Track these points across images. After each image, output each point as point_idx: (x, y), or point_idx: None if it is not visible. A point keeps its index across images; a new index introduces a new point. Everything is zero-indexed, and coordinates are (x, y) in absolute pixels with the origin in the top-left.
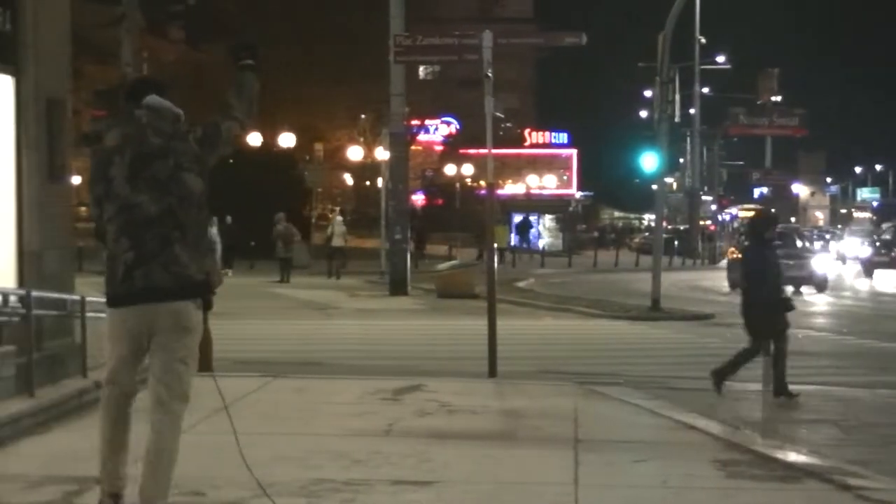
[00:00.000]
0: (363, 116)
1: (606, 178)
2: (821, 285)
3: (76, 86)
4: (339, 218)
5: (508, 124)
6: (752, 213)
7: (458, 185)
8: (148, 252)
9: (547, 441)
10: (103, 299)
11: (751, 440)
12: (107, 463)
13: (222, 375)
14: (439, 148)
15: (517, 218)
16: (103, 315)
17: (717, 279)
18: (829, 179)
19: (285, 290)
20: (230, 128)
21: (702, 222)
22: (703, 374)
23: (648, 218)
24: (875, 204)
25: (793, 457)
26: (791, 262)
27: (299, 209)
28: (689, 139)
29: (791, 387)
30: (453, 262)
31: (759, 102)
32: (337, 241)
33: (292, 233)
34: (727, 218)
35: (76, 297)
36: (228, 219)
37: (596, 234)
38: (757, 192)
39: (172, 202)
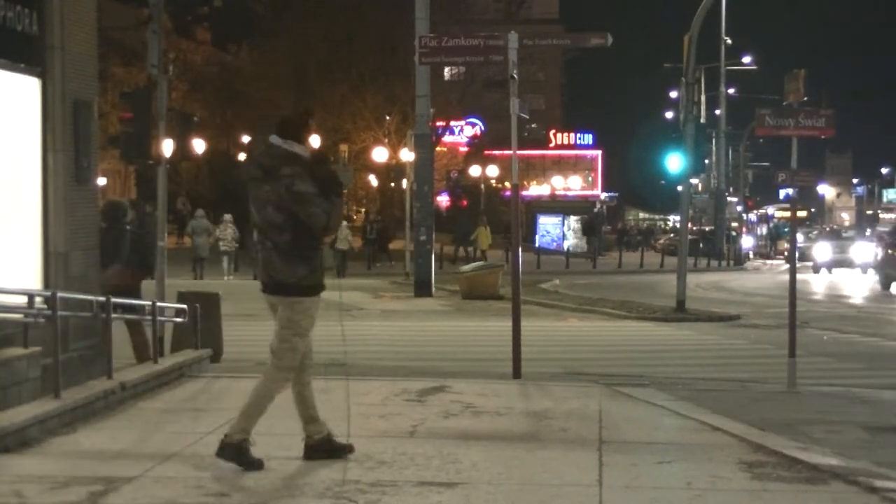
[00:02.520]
0: (388, 118)
1: (631, 179)
2: None
3: (103, 88)
4: (345, 222)
5: (533, 125)
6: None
7: (482, 186)
8: (260, 257)
9: (572, 442)
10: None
11: (776, 442)
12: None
13: (247, 377)
14: (464, 149)
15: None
16: (131, 316)
17: (743, 280)
18: (855, 180)
19: None
20: (315, 214)
21: (734, 223)
22: (729, 376)
23: (674, 219)
24: None
25: (819, 458)
26: None
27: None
28: (714, 140)
29: (817, 387)
30: (478, 264)
31: (785, 103)
32: (342, 245)
33: None
34: (753, 218)
35: (102, 299)
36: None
37: (616, 235)
38: (783, 193)
39: (263, 223)
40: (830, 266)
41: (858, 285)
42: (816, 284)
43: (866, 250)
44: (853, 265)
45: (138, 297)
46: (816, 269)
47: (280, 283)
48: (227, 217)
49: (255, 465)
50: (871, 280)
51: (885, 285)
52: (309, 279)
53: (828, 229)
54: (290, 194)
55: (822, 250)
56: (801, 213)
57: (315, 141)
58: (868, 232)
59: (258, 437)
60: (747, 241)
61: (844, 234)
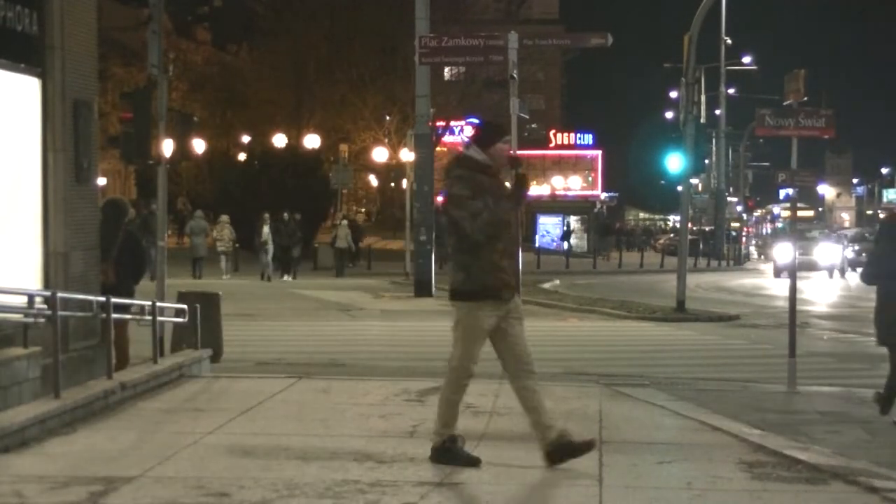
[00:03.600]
0: (389, 118)
1: (632, 179)
2: None
3: (103, 88)
4: (345, 222)
5: (533, 125)
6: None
7: None
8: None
9: None
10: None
11: (776, 442)
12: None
13: (246, 377)
14: None
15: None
16: (128, 316)
17: (743, 280)
18: (855, 181)
19: (310, 291)
20: (459, 217)
21: (735, 223)
22: (729, 376)
23: (674, 219)
24: None
25: (819, 458)
26: None
27: (324, 210)
28: (714, 140)
29: (817, 388)
30: None
31: (785, 103)
32: (340, 243)
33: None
34: (752, 219)
35: (101, 299)
36: (286, 216)
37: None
38: (783, 193)
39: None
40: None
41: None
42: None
43: (831, 252)
44: (817, 268)
45: (130, 296)
46: (777, 273)
47: (449, 287)
48: (224, 218)
49: (470, 461)
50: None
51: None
52: (466, 284)
53: (833, 229)
54: (447, 196)
55: (782, 252)
56: (808, 213)
57: (314, 140)
58: (830, 231)
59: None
60: (751, 242)
61: (808, 234)
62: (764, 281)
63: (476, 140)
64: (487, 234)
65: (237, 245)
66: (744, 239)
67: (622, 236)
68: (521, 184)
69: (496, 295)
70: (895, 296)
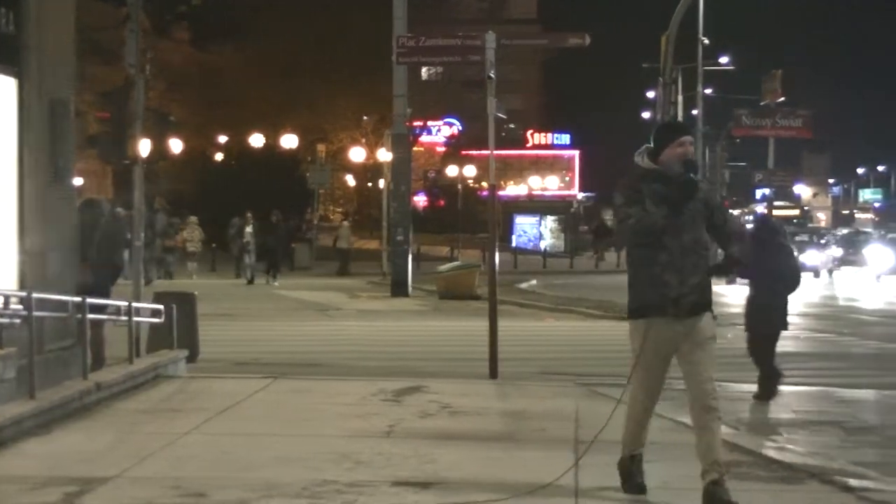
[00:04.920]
0: (366, 118)
1: (609, 179)
2: None
3: (80, 87)
4: (346, 223)
5: (511, 125)
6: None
7: (460, 186)
8: None
9: (549, 442)
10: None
11: (753, 442)
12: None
13: (223, 377)
14: (441, 149)
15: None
16: (104, 317)
17: (720, 280)
18: (831, 181)
19: (287, 291)
20: (615, 229)
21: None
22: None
23: None
24: (877, 205)
25: (795, 458)
26: None
27: (301, 210)
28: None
29: (794, 388)
30: (455, 264)
31: (762, 104)
32: (342, 244)
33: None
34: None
35: (78, 299)
36: (274, 217)
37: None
38: (760, 193)
39: None
40: None
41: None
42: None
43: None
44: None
45: (106, 297)
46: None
47: None
48: (193, 218)
49: (633, 488)
50: None
51: None
52: (630, 301)
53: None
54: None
55: None
56: (793, 212)
57: (292, 140)
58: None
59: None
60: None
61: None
62: (741, 280)
63: (653, 143)
64: (634, 243)
65: (213, 245)
66: None
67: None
68: (682, 190)
69: (659, 312)
70: (769, 288)
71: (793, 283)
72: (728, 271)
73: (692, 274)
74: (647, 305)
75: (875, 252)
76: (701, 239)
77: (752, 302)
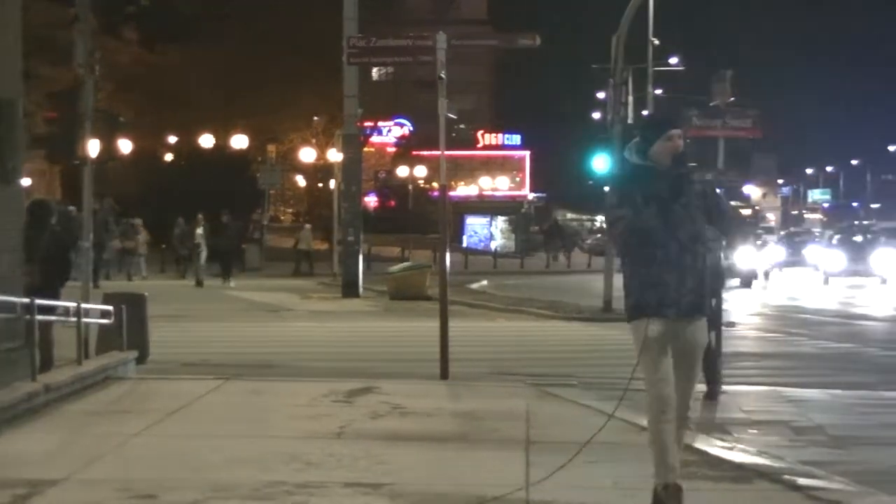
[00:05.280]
0: (316, 118)
1: (559, 180)
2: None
3: (28, 87)
4: (308, 226)
5: (462, 126)
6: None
7: (410, 186)
8: None
9: (500, 442)
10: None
11: (702, 441)
12: None
13: (173, 378)
14: (392, 149)
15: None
16: (53, 318)
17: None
18: (781, 181)
19: (237, 292)
20: (607, 228)
21: None
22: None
23: (601, 219)
24: (826, 205)
25: (744, 457)
26: None
27: (252, 211)
28: None
29: (743, 387)
30: (406, 264)
31: (712, 104)
32: (303, 245)
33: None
34: None
35: (25, 300)
36: (225, 218)
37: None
38: None
39: None
40: None
41: None
42: None
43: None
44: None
45: (55, 298)
46: None
47: None
48: (138, 221)
49: None
50: None
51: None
52: (628, 301)
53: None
54: None
55: None
56: (745, 212)
57: (242, 141)
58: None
59: None
60: None
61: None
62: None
63: (641, 138)
64: (627, 243)
65: (163, 246)
66: None
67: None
68: (672, 187)
69: (656, 312)
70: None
71: (717, 280)
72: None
73: (691, 272)
74: (644, 304)
75: (820, 253)
76: (700, 235)
77: None
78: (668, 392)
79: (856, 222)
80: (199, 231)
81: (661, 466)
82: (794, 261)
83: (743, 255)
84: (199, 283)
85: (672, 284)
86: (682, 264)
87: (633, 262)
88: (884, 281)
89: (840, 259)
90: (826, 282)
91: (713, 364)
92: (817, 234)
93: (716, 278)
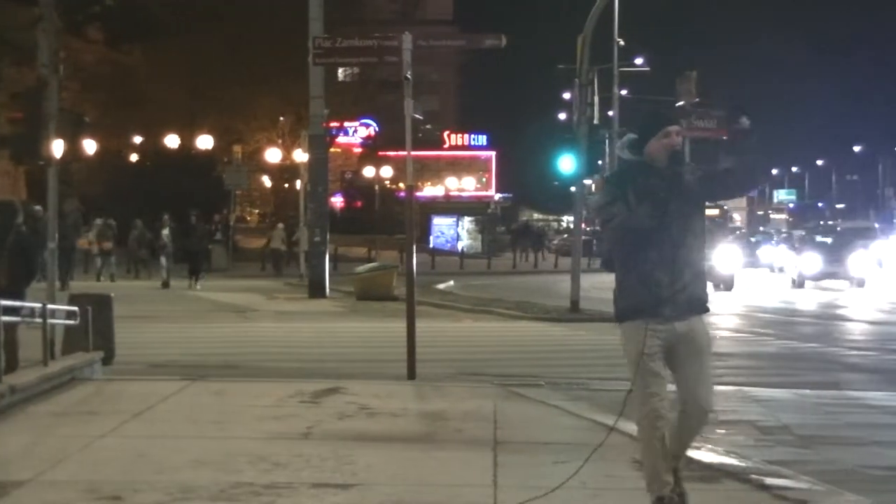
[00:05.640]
0: (282, 118)
1: (526, 180)
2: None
3: None
4: (281, 225)
5: (428, 126)
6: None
7: (377, 187)
8: None
9: (467, 443)
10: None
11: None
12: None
13: (140, 380)
14: (358, 150)
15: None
16: (18, 319)
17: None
18: None
19: (204, 293)
20: (600, 226)
21: None
22: (623, 375)
23: (567, 219)
24: (791, 206)
25: (712, 457)
26: None
27: (218, 211)
28: (608, 141)
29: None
30: (372, 265)
31: (677, 105)
32: (276, 244)
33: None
34: None
35: None
36: (193, 218)
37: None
38: None
39: None
40: None
41: None
42: None
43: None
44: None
45: (21, 299)
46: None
47: None
48: (99, 221)
49: None
50: None
51: None
52: (618, 302)
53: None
54: None
55: None
56: (713, 212)
57: (208, 141)
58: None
59: None
60: None
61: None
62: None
63: (637, 134)
64: (621, 242)
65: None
66: None
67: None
68: (670, 187)
69: (652, 312)
70: None
71: None
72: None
73: (685, 268)
74: (638, 306)
75: (787, 255)
76: (693, 228)
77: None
78: (662, 406)
79: (821, 222)
80: (166, 232)
81: (654, 481)
82: (750, 262)
83: (723, 256)
84: (166, 285)
85: (666, 282)
86: (676, 261)
87: (626, 261)
88: (861, 283)
89: (815, 261)
90: (801, 285)
91: None
92: (775, 234)
93: None
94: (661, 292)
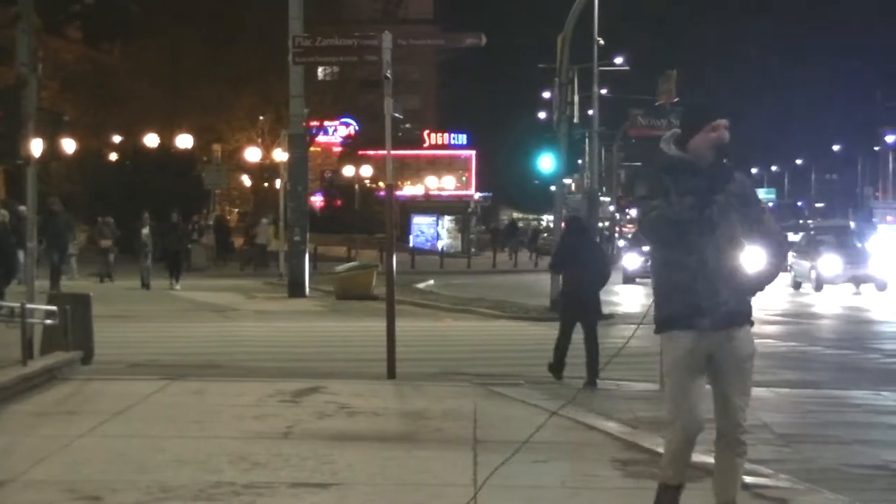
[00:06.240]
0: (262, 118)
1: (506, 179)
2: None
3: None
4: (265, 220)
5: (408, 125)
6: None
7: (357, 186)
8: None
9: (447, 442)
10: None
11: (649, 440)
12: None
13: (119, 379)
14: (338, 149)
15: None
16: None
17: (616, 278)
18: None
19: (183, 292)
20: (638, 223)
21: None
22: (603, 375)
23: (547, 219)
24: (770, 205)
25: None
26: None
27: (197, 210)
28: (588, 140)
29: None
30: (352, 264)
31: (657, 104)
32: (261, 240)
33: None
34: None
35: None
36: (174, 217)
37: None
38: None
39: None
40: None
41: None
42: None
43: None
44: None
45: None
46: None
47: None
48: (111, 220)
49: None
50: None
51: None
52: (658, 312)
53: None
54: None
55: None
56: None
57: (187, 140)
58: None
59: None
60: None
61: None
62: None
63: (682, 128)
64: (659, 236)
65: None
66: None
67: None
68: (713, 178)
69: (689, 324)
70: (578, 281)
71: (602, 278)
72: (758, 288)
73: (728, 278)
74: (675, 316)
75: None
76: (736, 237)
77: (565, 294)
78: (695, 425)
79: (800, 221)
80: (146, 231)
81: (668, 464)
82: None
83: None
84: (146, 285)
85: (706, 293)
86: (717, 270)
87: (665, 265)
88: (884, 287)
89: (836, 263)
90: (819, 288)
91: (594, 355)
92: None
93: (606, 272)
94: (700, 302)
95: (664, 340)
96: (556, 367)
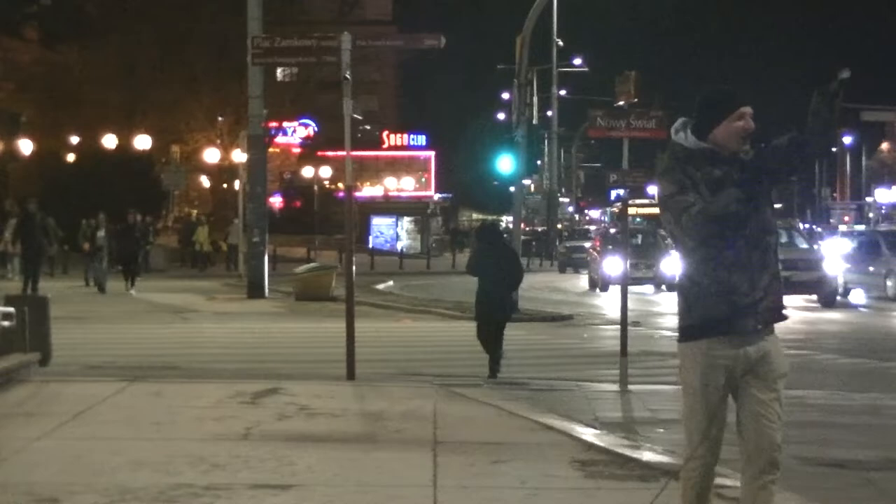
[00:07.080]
0: (221, 118)
1: (465, 180)
2: None
3: None
4: (237, 220)
5: (367, 126)
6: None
7: (316, 187)
8: None
9: (407, 443)
10: None
11: (609, 440)
12: None
13: (77, 381)
14: (297, 150)
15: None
16: None
17: (576, 281)
18: None
19: (141, 293)
20: (667, 221)
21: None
22: (563, 375)
23: (506, 219)
24: None
25: (651, 456)
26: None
27: (156, 212)
28: (547, 141)
29: (649, 386)
30: (312, 265)
31: (616, 105)
32: (233, 240)
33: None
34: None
35: None
36: (131, 218)
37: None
38: (614, 193)
39: None
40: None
41: None
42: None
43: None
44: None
45: None
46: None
47: None
48: (13, 222)
49: None
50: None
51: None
52: (683, 318)
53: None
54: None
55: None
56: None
57: (146, 141)
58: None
59: None
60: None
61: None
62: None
63: (700, 116)
64: (703, 234)
65: (65, 247)
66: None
67: (457, 236)
68: (749, 173)
69: (726, 328)
70: (491, 283)
71: (515, 280)
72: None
73: (762, 272)
74: (712, 320)
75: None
76: (767, 224)
77: (481, 295)
78: (716, 459)
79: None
80: (101, 233)
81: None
82: None
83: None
84: (102, 289)
85: (745, 289)
86: (752, 263)
87: (696, 264)
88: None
89: None
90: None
91: (496, 350)
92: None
93: (518, 271)
94: (739, 301)
95: (689, 352)
96: (490, 364)
